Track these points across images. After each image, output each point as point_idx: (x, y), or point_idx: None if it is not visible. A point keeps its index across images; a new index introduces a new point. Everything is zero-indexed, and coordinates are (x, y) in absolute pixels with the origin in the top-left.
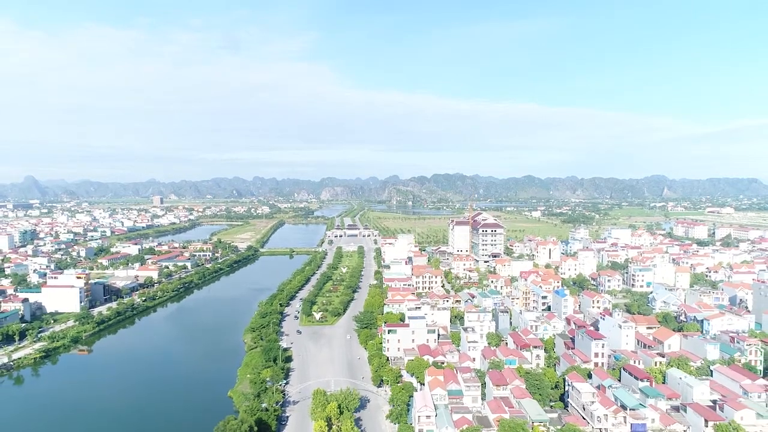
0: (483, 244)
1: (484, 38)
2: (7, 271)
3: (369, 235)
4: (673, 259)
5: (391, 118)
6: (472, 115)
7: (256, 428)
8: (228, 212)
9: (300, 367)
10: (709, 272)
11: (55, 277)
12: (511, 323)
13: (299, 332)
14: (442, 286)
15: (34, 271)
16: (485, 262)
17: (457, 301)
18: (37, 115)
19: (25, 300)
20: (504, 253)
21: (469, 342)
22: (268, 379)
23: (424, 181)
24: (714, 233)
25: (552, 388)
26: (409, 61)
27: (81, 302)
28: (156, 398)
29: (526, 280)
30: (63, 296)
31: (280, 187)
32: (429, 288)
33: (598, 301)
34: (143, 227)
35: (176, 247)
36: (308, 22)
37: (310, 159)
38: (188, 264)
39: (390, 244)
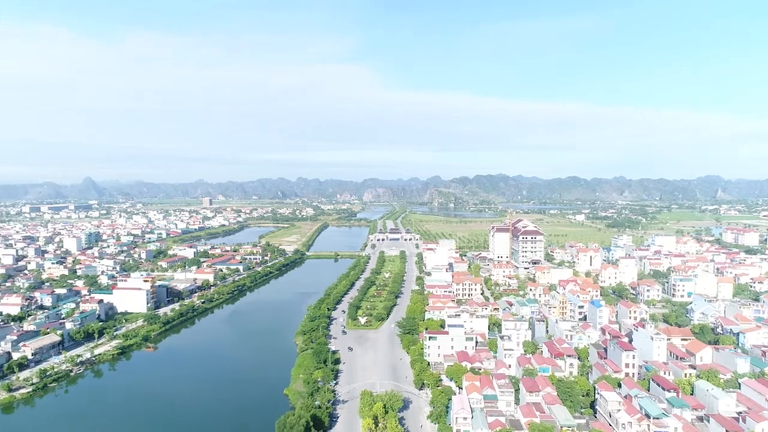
0: (523, 251)
1: (527, 36)
2: (79, 272)
3: (411, 239)
4: (717, 269)
5: (432, 118)
6: (515, 115)
7: (311, 423)
8: (274, 214)
9: (347, 369)
10: (754, 283)
11: (124, 280)
12: (547, 332)
13: (350, 349)
14: (482, 294)
15: (102, 272)
16: (525, 269)
17: (495, 309)
18: (91, 118)
19: (101, 301)
20: (545, 259)
21: (505, 350)
22: (319, 379)
23: (466, 182)
24: (766, 240)
25: (583, 396)
26: (449, 60)
27: (147, 303)
28: (219, 394)
29: (564, 288)
30: (132, 298)
31: (323, 188)
32: (469, 295)
33: (634, 312)
34: (195, 229)
35: (228, 251)
36: (349, 24)
37: (351, 159)
38: (240, 267)
39: (431, 249)
